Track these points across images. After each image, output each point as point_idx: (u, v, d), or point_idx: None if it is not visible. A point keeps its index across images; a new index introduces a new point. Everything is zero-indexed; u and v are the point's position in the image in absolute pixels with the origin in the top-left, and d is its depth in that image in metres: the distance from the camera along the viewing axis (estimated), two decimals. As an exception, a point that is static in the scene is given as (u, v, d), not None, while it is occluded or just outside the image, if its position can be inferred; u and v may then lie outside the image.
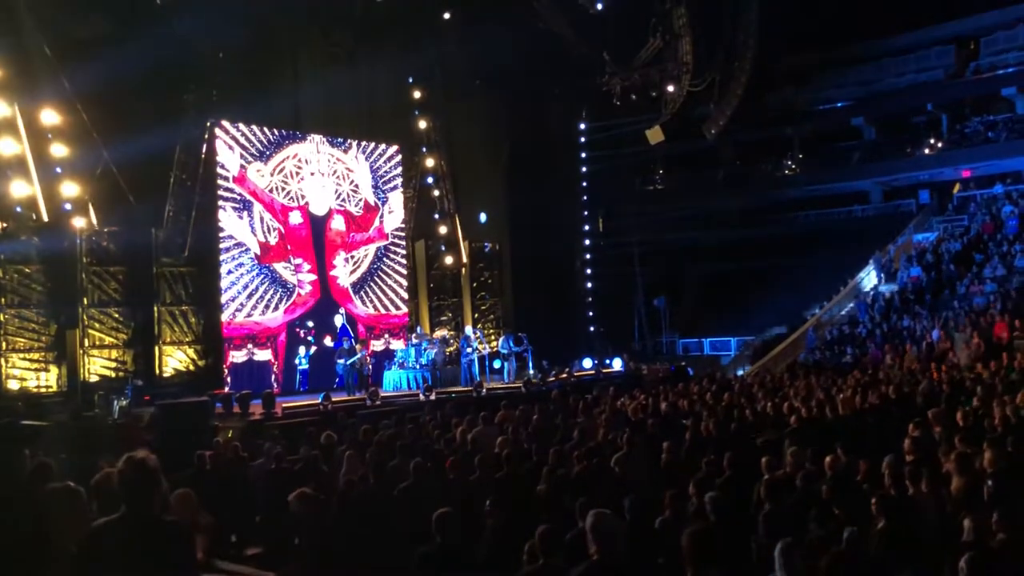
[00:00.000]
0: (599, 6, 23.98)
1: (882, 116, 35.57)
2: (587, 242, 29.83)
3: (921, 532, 6.13)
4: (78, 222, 17.52)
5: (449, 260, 25.38)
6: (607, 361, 24.38)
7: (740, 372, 24.86)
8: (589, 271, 29.39)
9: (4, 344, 16.57)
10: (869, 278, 28.31)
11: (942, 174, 33.45)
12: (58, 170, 16.99)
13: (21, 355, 16.80)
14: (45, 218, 16.90)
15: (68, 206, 17.25)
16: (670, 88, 25.45)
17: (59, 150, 17.02)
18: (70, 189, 17.22)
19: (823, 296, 28.12)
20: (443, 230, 25.37)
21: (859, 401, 12.79)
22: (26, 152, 16.59)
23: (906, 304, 25.62)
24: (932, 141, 33.69)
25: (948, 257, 27.29)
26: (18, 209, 16.76)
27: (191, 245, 19.03)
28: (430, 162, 25.04)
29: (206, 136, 19.21)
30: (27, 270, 16.99)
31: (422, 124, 24.76)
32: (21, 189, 16.62)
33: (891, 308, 25.76)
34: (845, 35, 33.16)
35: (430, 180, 25.16)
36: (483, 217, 25.99)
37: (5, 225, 16.71)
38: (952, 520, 6.28)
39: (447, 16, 23.38)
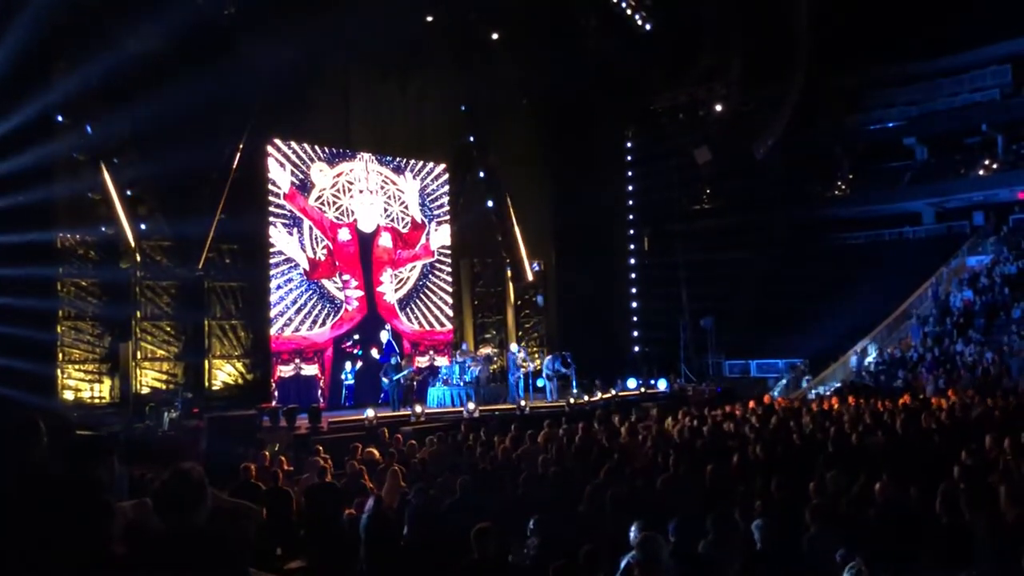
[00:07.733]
0: (648, 26, 23.98)
1: (935, 136, 34.91)
2: (633, 261, 29.66)
3: (975, 559, 5.98)
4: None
5: (512, 280, 25.63)
6: (652, 381, 24.19)
7: (787, 394, 24.48)
8: (634, 290, 29.20)
9: (61, 355, 16.95)
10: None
11: (997, 195, 32.70)
12: (128, 192, 17.45)
13: (76, 366, 17.17)
14: (131, 240, 17.28)
15: (144, 226, 17.69)
16: (718, 107, 25.34)
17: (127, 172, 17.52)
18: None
19: (872, 319, 27.59)
20: (500, 250, 25.59)
21: (910, 426, 12.52)
22: (106, 178, 17.08)
23: (958, 329, 25.07)
24: (987, 162, 32.98)
25: (1002, 281, 26.66)
26: (103, 228, 17.25)
27: (233, 262, 19.25)
28: (481, 182, 25.20)
29: (238, 154, 19.11)
30: (83, 283, 17.37)
31: (471, 144, 24.94)
32: (105, 211, 17.34)
33: (943, 332, 25.23)
34: (897, 55, 32.68)
35: (489, 204, 25.37)
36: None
37: (69, 240, 17.12)
38: (1010, 551, 6.12)
39: (495, 36, 23.55)
